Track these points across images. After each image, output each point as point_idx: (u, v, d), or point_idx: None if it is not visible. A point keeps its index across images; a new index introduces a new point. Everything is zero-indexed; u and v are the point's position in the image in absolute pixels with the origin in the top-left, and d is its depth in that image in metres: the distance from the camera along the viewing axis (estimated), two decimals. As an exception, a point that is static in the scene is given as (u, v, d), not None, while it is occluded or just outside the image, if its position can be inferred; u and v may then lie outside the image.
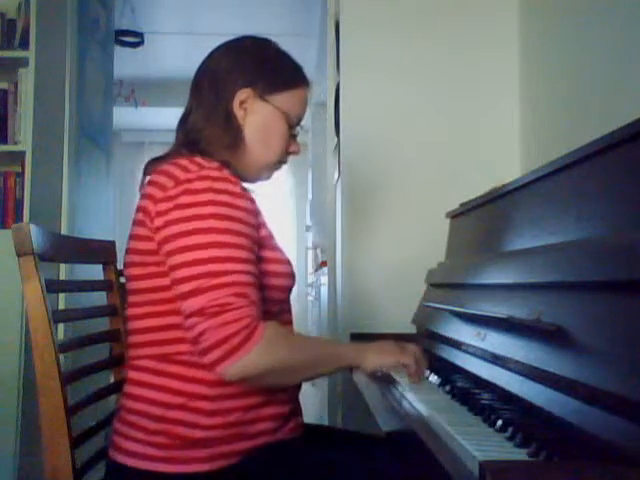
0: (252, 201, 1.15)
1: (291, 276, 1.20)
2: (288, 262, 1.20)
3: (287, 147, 1.26)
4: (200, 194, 1.06)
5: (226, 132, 1.19)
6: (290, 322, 1.25)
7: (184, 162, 1.12)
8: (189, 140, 1.19)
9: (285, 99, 1.22)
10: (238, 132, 1.20)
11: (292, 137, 1.26)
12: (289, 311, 1.25)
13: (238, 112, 1.20)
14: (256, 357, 1.01)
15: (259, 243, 1.13)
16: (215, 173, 1.09)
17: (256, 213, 1.15)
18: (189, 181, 1.08)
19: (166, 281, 1.08)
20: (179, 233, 1.05)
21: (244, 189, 1.14)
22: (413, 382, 1.22)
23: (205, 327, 1.00)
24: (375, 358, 1.18)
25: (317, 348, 1.15)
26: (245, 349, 0.99)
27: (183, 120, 1.24)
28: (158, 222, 1.08)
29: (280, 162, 1.27)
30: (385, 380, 1.30)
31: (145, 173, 1.20)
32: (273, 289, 1.15)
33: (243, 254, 1.06)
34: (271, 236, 1.19)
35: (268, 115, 1.21)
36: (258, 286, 1.08)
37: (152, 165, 1.19)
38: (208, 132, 1.18)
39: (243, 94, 1.20)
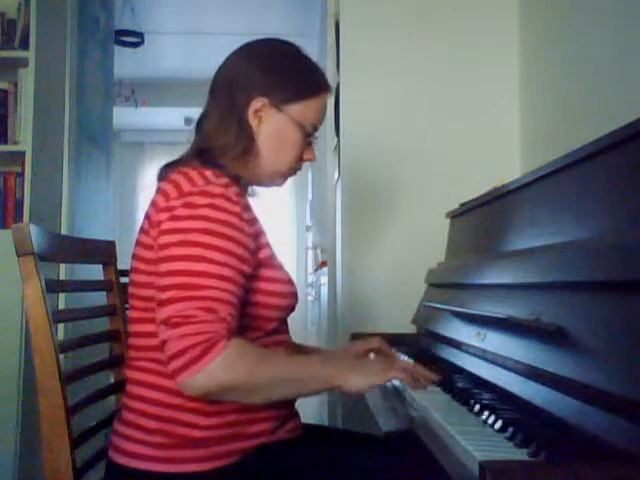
0: (252, 222, 1.13)
1: (292, 296, 1.19)
2: (290, 282, 1.19)
3: (301, 155, 1.24)
4: (197, 209, 1.06)
5: (238, 141, 1.18)
6: (285, 342, 1.22)
7: (193, 173, 1.11)
8: (202, 148, 1.19)
9: (301, 109, 1.20)
10: (251, 141, 1.19)
11: (307, 144, 1.24)
12: (285, 329, 1.23)
13: (252, 121, 1.19)
14: (212, 373, 0.97)
15: (259, 263, 1.12)
16: (218, 190, 1.08)
17: (256, 235, 1.13)
18: (191, 194, 1.08)
19: None
20: (168, 243, 1.06)
21: (247, 209, 1.13)
22: (417, 389, 1.16)
23: (167, 336, 1.00)
24: (360, 380, 1.08)
25: (290, 369, 1.08)
26: (201, 364, 0.97)
27: (200, 121, 1.24)
28: (154, 232, 1.09)
29: (294, 169, 1.26)
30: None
31: (159, 178, 1.19)
32: (273, 308, 1.15)
33: (224, 271, 1.04)
34: (273, 256, 1.18)
35: (283, 125, 1.20)
36: (236, 305, 1.05)
37: (166, 170, 1.19)
38: (220, 142, 1.17)
39: (258, 103, 1.18)
